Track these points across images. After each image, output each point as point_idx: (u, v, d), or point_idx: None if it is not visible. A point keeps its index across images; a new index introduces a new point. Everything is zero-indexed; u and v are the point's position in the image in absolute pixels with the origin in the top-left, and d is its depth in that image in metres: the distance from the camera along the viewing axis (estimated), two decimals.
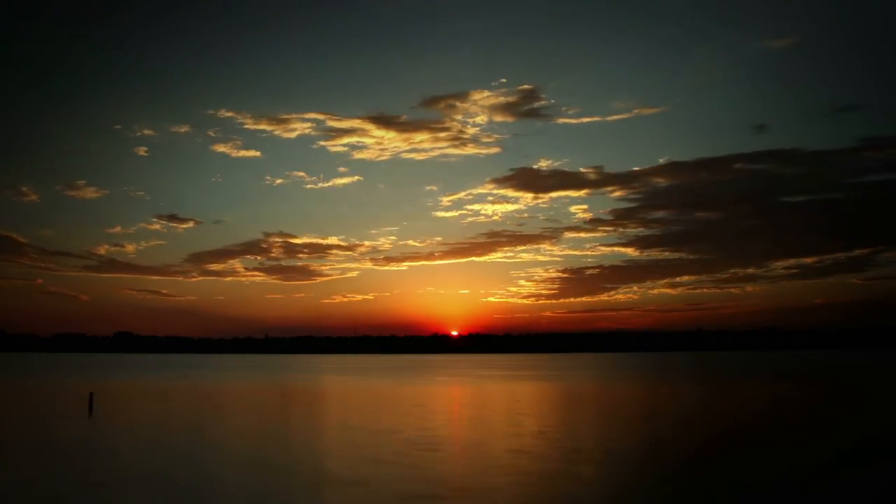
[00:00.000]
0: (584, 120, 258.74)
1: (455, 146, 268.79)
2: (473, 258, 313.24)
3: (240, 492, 18.40)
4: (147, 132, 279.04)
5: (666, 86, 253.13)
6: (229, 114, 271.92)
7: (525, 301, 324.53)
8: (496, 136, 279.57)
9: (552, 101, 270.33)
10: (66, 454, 24.79)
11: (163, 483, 19.59)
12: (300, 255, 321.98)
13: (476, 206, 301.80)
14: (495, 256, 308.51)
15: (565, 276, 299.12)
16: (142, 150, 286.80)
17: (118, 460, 23.58)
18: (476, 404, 46.60)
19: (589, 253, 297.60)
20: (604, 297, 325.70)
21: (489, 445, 26.27)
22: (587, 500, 17.46)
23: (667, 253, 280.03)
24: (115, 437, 29.77)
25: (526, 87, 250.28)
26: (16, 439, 28.96)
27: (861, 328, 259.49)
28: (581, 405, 45.49)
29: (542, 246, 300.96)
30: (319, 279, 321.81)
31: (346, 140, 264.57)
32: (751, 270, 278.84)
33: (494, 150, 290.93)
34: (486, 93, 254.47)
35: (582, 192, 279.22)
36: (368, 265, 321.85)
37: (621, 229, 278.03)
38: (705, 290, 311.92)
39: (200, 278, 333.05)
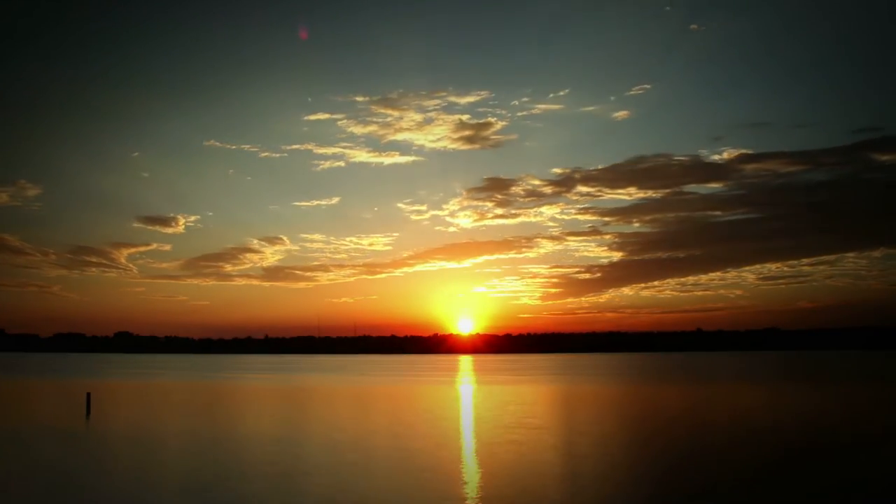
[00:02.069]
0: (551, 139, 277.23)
1: (434, 167, 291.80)
2: (465, 262, 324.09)
3: (233, 493, 18.47)
4: (154, 156, 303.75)
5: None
6: (230, 145, 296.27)
7: (521, 303, 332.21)
8: (467, 157, 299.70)
9: (515, 133, 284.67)
10: (62, 455, 24.87)
11: (156, 486, 19.67)
12: (299, 261, 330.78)
13: (459, 218, 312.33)
14: (488, 260, 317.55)
15: (559, 278, 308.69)
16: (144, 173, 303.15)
17: (113, 462, 23.64)
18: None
19: (578, 257, 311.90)
20: (596, 299, 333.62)
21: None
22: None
23: (650, 256, 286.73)
24: (112, 438, 29.84)
25: (490, 119, 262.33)
26: (13, 441, 29.03)
27: (854, 329, 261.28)
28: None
29: (528, 252, 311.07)
30: (317, 283, 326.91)
31: (331, 164, 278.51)
32: (732, 273, 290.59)
33: (469, 168, 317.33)
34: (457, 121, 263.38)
35: (560, 204, 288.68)
36: (364, 272, 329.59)
37: (601, 236, 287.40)
38: (696, 293, 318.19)
39: (200, 280, 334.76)
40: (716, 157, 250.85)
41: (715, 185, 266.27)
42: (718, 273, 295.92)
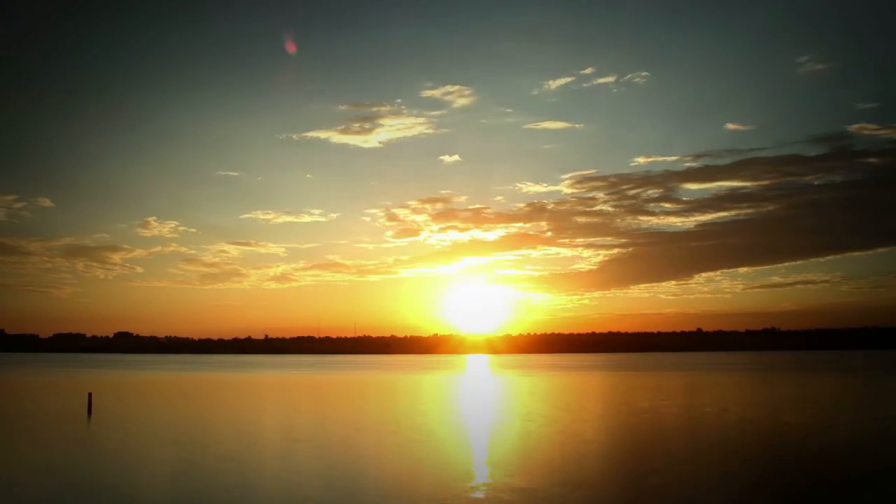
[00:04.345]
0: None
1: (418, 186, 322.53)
2: (455, 266, 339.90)
3: (232, 493, 18.43)
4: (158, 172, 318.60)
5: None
6: (231, 172, 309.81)
7: (517, 305, 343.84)
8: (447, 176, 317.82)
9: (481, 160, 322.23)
10: (64, 455, 24.84)
11: (157, 486, 19.64)
12: (297, 264, 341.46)
13: (447, 232, 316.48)
14: (477, 265, 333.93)
15: (555, 280, 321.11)
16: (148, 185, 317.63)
17: (116, 462, 23.60)
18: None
19: (565, 262, 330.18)
20: (589, 301, 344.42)
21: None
22: None
23: (631, 263, 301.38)
24: (114, 438, 29.81)
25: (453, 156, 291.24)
26: (14, 441, 29.00)
27: (841, 330, 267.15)
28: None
29: (518, 256, 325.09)
30: (315, 284, 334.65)
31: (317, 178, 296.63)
32: (714, 275, 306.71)
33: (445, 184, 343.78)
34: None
35: (536, 217, 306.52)
36: (358, 274, 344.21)
37: (582, 245, 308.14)
38: (682, 297, 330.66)
39: (201, 282, 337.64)
40: (659, 176, 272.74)
41: (670, 204, 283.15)
42: (694, 278, 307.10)
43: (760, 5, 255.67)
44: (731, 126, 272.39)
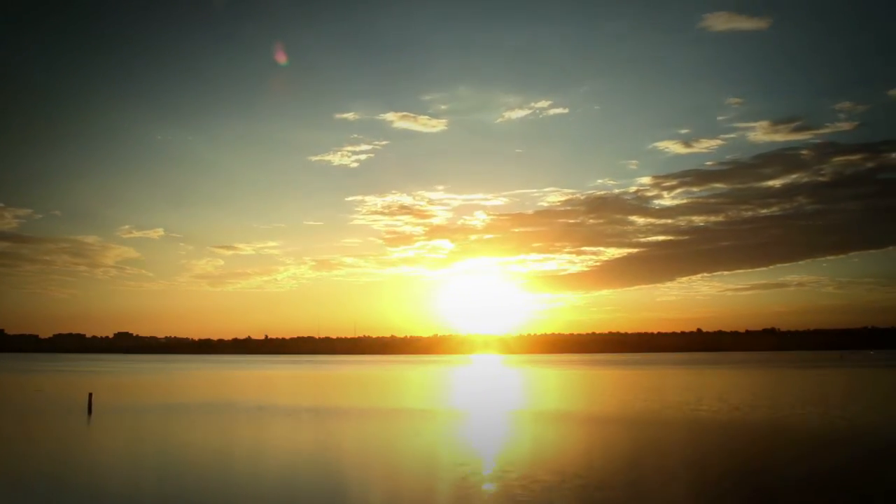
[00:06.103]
0: None
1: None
2: (454, 268, 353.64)
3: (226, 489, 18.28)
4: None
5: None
6: (232, 184, 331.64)
7: (517, 305, 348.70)
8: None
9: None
10: (66, 453, 24.72)
11: (158, 482, 19.49)
12: (297, 267, 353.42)
13: (441, 239, 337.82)
14: (477, 268, 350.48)
15: (550, 282, 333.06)
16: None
17: (115, 461, 23.49)
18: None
19: (561, 266, 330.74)
20: (586, 302, 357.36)
21: None
22: None
23: (622, 268, 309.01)
24: (114, 437, 29.71)
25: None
26: (17, 439, 28.89)
27: (836, 330, 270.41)
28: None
29: (515, 258, 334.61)
30: (315, 284, 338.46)
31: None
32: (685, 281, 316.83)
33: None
34: None
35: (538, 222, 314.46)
36: (360, 278, 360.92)
37: (573, 247, 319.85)
38: (668, 300, 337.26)
39: (202, 282, 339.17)
40: (632, 191, 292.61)
41: (646, 217, 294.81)
42: (676, 280, 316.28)
43: (694, 50, 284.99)
44: (683, 150, 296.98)
